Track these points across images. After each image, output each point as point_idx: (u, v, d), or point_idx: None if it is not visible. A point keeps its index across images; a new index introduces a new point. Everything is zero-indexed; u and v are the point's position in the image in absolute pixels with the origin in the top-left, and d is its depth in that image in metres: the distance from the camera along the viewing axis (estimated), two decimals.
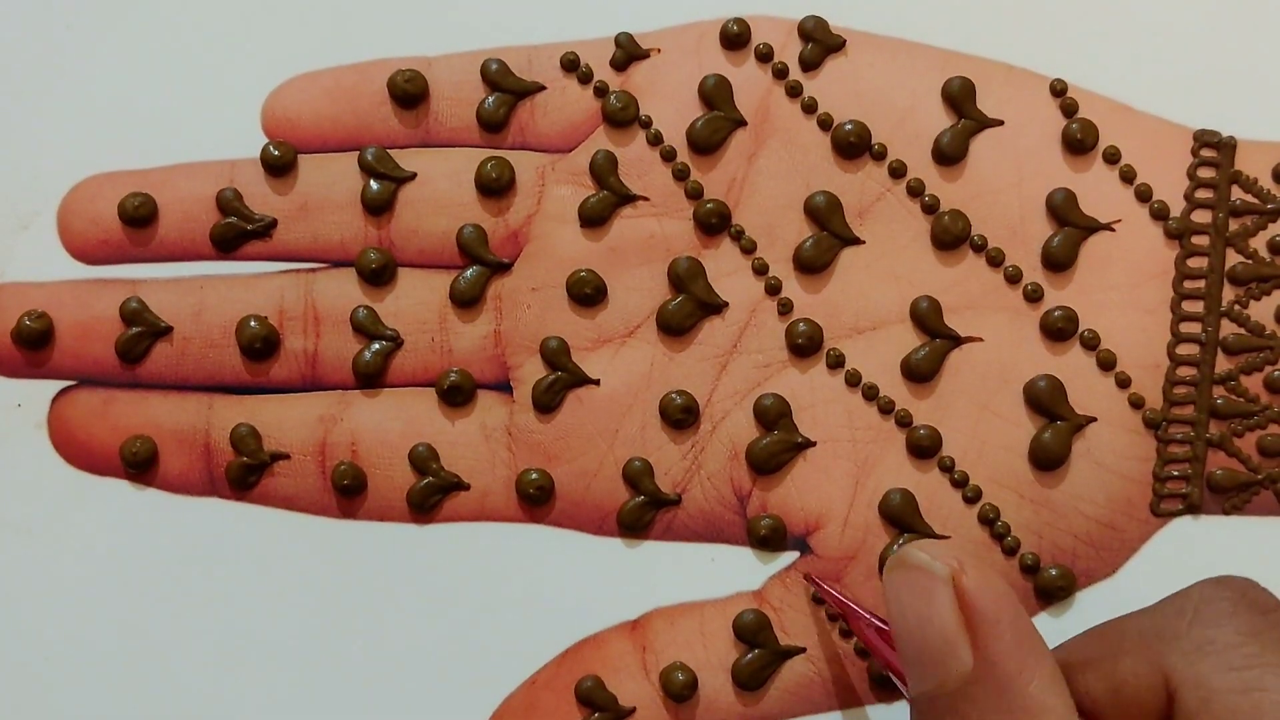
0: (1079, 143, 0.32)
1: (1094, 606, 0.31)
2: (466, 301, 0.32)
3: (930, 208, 0.32)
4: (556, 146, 0.32)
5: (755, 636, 0.31)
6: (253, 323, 0.32)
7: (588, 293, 0.31)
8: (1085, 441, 0.31)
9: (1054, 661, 0.22)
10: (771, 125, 0.32)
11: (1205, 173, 0.32)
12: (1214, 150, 0.32)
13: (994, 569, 0.23)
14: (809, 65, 0.32)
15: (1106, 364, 0.31)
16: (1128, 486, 0.31)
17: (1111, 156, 0.32)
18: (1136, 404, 0.31)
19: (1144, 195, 0.32)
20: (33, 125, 0.33)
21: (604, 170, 0.32)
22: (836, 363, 0.31)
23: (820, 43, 0.32)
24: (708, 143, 0.32)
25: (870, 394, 0.31)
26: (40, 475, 0.32)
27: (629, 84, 0.32)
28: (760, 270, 0.32)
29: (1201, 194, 0.32)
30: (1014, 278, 0.31)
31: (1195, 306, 0.31)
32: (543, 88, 0.32)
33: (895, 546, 0.31)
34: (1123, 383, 0.31)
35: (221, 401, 0.32)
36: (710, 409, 0.31)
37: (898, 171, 0.32)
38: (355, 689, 0.31)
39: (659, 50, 0.32)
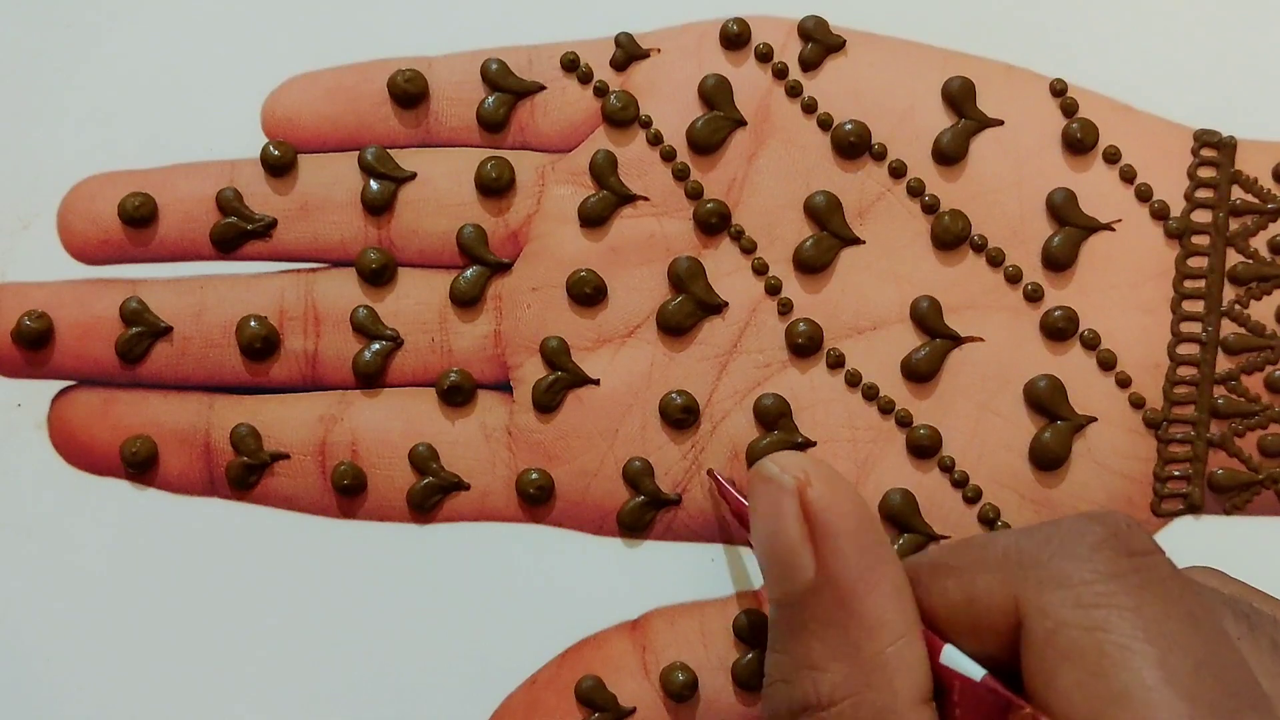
0: (1079, 143, 0.32)
1: None
2: (466, 301, 0.32)
3: (930, 208, 0.32)
4: (556, 146, 0.32)
5: (755, 636, 0.30)
6: (253, 323, 0.32)
7: (588, 293, 0.31)
8: (1085, 441, 0.31)
9: (900, 575, 0.23)
10: (771, 125, 0.32)
11: (1205, 172, 0.32)
12: (1214, 150, 0.32)
13: (847, 481, 0.24)
14: (809, 65, 0.32)
15: (1107, 364, 0.31)
16: (1128, 486, 0.31)
17: (1111, 156, 0.32)
18: (1137, 404, 0.31)
19: (1144, 195, 0.32)
20: (33, 126, 0.33)
21: (604, 170, 0.32)
22: (836, 363, 0.31)
23: (820, 43, 0.32)
24: (708, 143, 0.32)
25: (870, 394, 0.31)
26: (40, 475, 0.32)
27: (629, 84, 0.32)
28: (760, 270, 0.32)
29: (1202, 194, 0.32)
30: (1014, 278, 0.31)
31: (1196, 306, 0.31)
32: (543, 88, 0.32)
33: (895, 546, 0.31)
34: (1123, 383, 0.31)
35: (221, 401, 0.32)
36: (710, 409, 0.31)
37: (898, 171, 0.32)
38: (356, 689, 0.31)
39: (659, 50, 0.32)
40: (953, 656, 0.22)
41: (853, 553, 0.23)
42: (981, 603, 0.22)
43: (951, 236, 0.31)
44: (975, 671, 0.22)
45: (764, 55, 0.32)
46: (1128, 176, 0.32)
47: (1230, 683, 0.20)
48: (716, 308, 0.32)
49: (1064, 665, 0.20)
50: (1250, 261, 0.31)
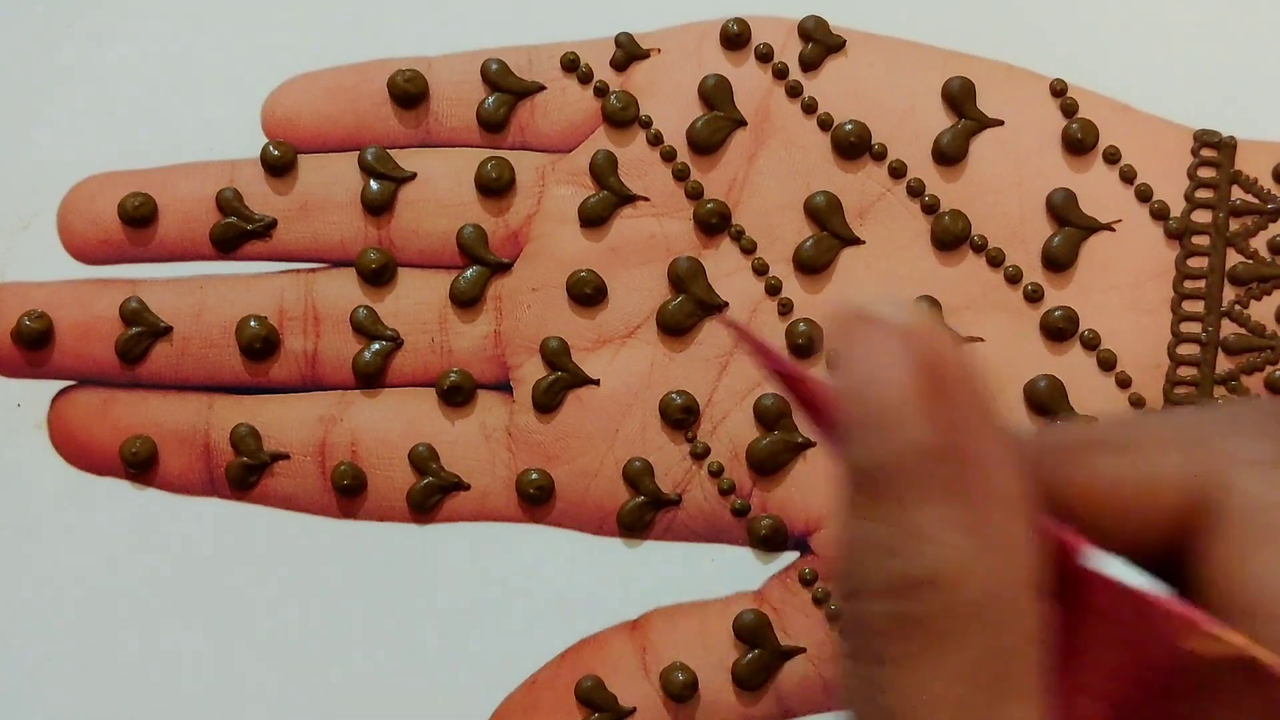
0: (1079, 143, 0.32)
1: None
2: (466, 301, 0.32)
3: (930, 208, 0.32)
4: (556, 146, 0.32)
5: (755, 636, 0.30)
6: (253, 323, 0.32)
7: (588, 293, 0.31)
8: None
9: (1019, 452, 0.20)
10: (771, 125, 0.32)
11: (1205, 173, 0.32)
12: (1214, 150, 0.32)
13: (953, 336, 0.22)
14: (809, 65, 0.32)
15: (1107, 364, 0.31)
16: None
17: (1111, 156, 0.32)
18: (1137, 404, 0.31)
19: (1144, 195, 0.32)
20: (33, 126, 0.33)
21: (604, 170, 0.32)
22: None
23: (820, 43, 0.32)
24: (708, 143, 0.32)
25: None
26: (40, 475, 0.32)
27: (629, 84, 0.32)
28: (760, 270, 0.32)
29: (1202, 194, 0.31)
30: (1014, 278, 0.31)
31: (1196, 306, 0.31)
32: (543, 88, 0.32)
33: None
34: (1123, 383, 0.31)
35: (221, 401, 0.32)
36: (710, 409, 0.31)
37: (898, 171, 0.32)
38: (355, 689, 0.31)
39: (659, 50, 0.32)
40: (1103, 559, 0.19)
41: (979, 418, 0.20)
42: (1156, 482, 0.20)
43: (951, 237, 0.31)
44: (1134, 577, 0.19)
45: (764, 55, 0.32)
46: (1128, 176, 0.32)
47: None
48: (716, 308, 0.32)
49: (1265, 545, 0.19)
50: (1250, 261, 0.31)
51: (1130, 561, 0.19)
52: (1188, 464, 0.20)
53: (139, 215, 0.32)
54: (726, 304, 0.31)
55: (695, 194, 0.32)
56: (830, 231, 0.31)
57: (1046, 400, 0.31)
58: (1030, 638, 0.19)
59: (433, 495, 0.31)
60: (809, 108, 0.32)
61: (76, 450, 0.32)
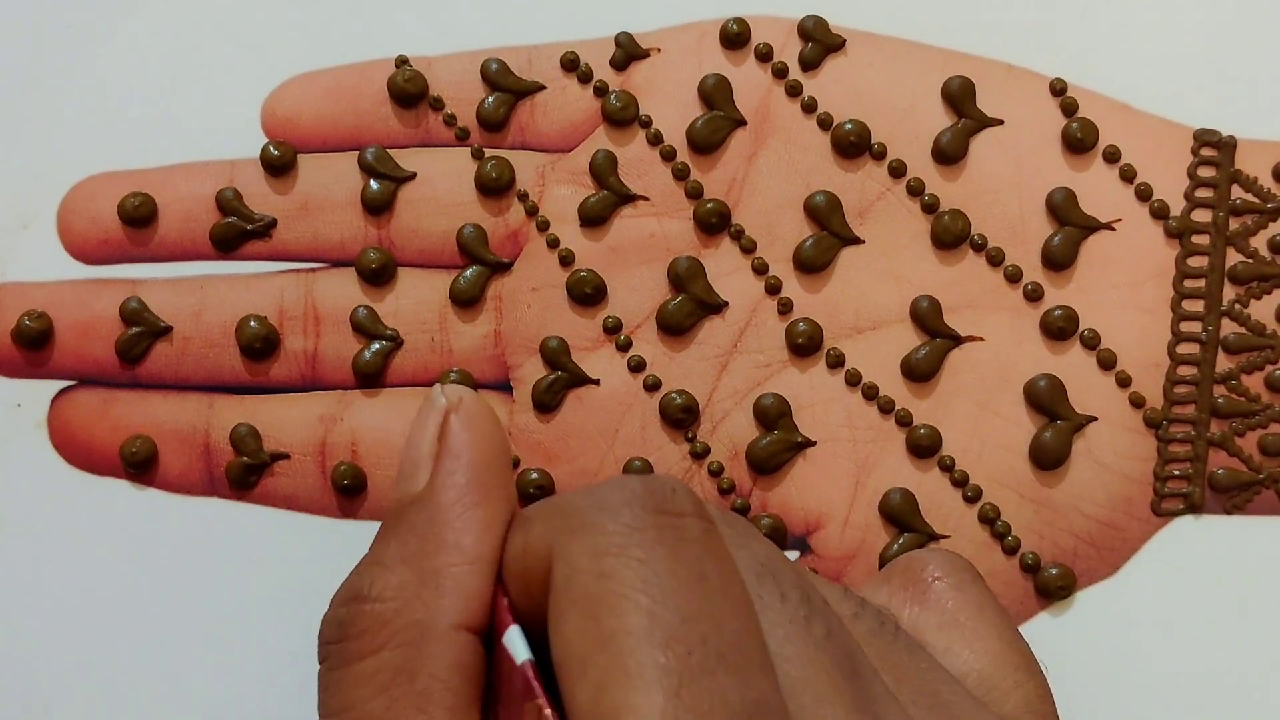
0: (1079, 142, 0.32)
1: (1094, 606, 0.31)
2: (466, 301, 0.32)
3: (930, 207, 0.32)
4: (556, 146, 0.32)
5: None
6: (253, 323, 0.32)
7: (588, 293, 0.31)
8: (1085, 441, 0.31)
9: (499, 518, 0.23)
10: (771, 125, 0.32)
11: (1205, 172, 0.32)
12: (1214, 149, 0.32)
13: (496, 423, 0.24)
14: (809, 65, 0.32)
15: (1107, 363, 0.31)
16: (1128, 486, 0.31)
17: (1111, 156, 0.32)
18: (1137, 403, 0.31)
19: (1144, 194, 0.32)
20: (33, 125, 0.33)
21: (604, 170, 0.32)
22: (836, 362, 0.31)
23: (820, 42, 0.32)
24: (708, 142, 0.32)
25: (870, 394, 0.31)
26: (40, 475, 0.31)
27: (629, 84, 0.32)
28: (760, 270, 0.32)
29: (1202, 193, 0.32)
30: (1014, 277, 0.31)
31: (1196, 306, 0.31)
32: (543, 87, 0.32)
33: (895, 545, 0.31)
34: (1123, 382, 0.31)
35: (221, 401, 0.32)
36: (710, 409, 0.31)
37: (898, 171, 0.32)
38: None
39: (659, 50, 0.32)
40: (513, 638, 0.22)
41: (463, 479, 0.23)
42: (531, 551, 0.22)
43: (951, 236, 0.31)
44: (520, 654, 0.21)
45: (764, 55, 0.32)
46: (1128, 176, 0.32)
47: (715, 638, 0.20)
48: (716, 308, 0.32)
49: (571, 610, 0.20)
50: (1250, 261, 0.31)
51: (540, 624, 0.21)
52: (544, 535, 0.22)
53: (139, 215, 0.32)
54: (726, 304, 0.31)
55: (695, 194, 0.32)
56: (830, 231, 0.32)
57: (1046, 400, 0.31)
58: (451, 666, 0.22)
59: None
60: (809, 107, 0.32)
61: (76, 450, 0.32)
